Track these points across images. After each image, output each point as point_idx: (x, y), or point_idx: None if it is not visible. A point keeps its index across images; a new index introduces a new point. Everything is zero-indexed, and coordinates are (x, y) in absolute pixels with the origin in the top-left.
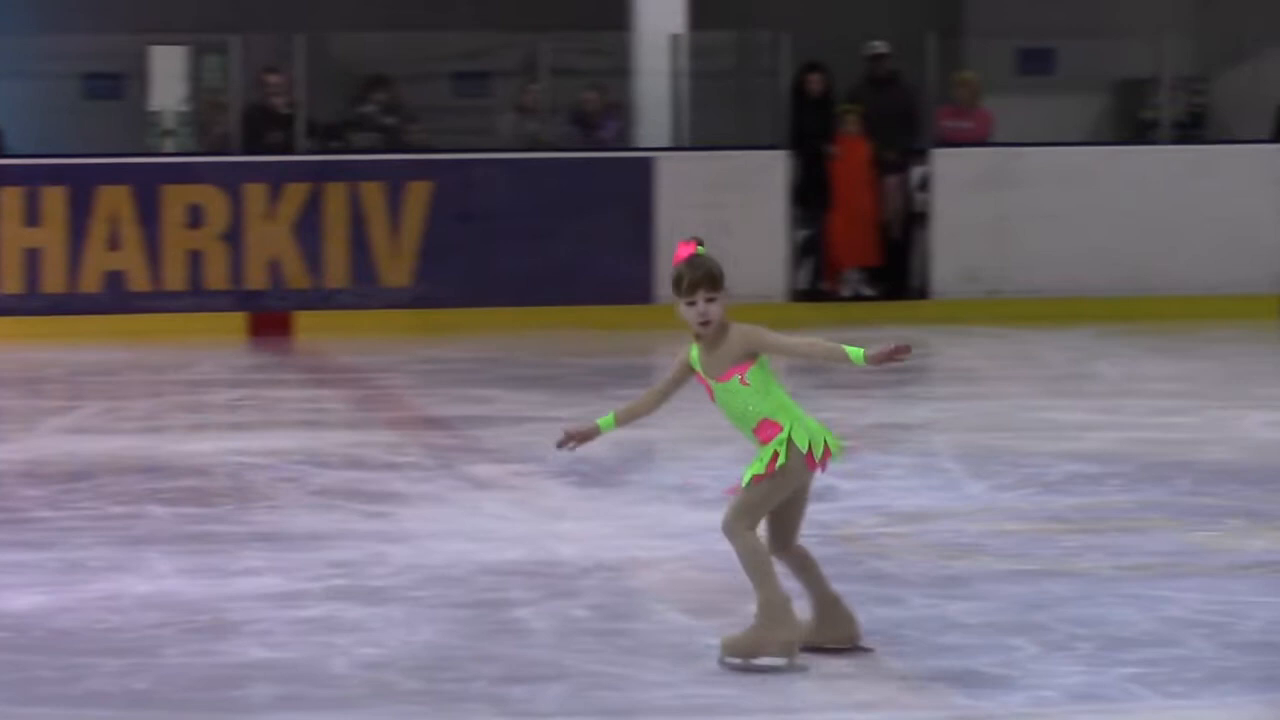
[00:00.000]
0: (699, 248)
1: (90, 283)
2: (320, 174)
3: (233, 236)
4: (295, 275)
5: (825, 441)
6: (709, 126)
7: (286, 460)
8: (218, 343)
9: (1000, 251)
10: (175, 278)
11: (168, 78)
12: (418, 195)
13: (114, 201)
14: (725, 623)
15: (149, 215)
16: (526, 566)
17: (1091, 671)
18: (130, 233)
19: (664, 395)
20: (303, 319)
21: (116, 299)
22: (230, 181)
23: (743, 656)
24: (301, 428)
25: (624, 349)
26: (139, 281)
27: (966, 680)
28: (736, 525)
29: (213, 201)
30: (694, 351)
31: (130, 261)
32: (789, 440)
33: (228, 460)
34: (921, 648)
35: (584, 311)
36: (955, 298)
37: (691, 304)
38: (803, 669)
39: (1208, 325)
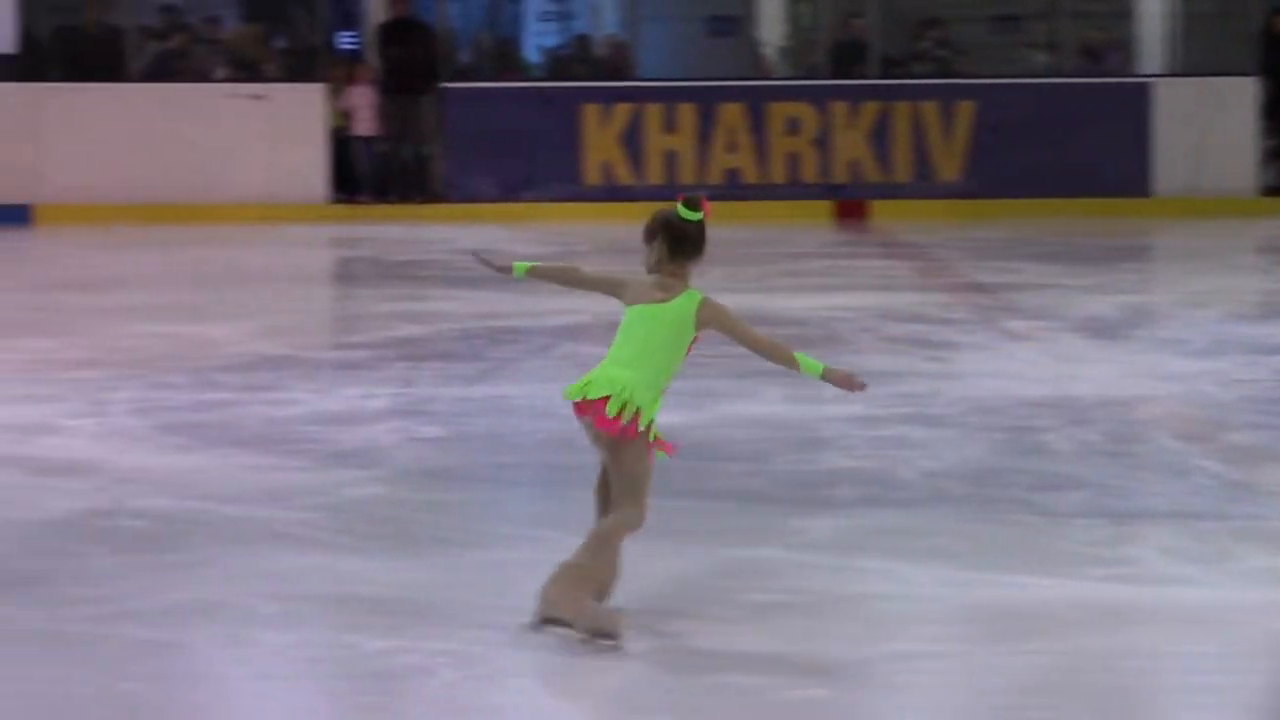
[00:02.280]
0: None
1: (714, 177)
2: (889, 95)
3: (822, 142)
4: (870, 171)
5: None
6: (1194, 57)
7: (864, 314)
8: (810, 224)
9: None
10: (778, 173)
11: (771, 20)
12: (964, 112)
13: (731, 115)
14: (1210, 448)
15: (758, 126)
16: (1050, 400)
17: None
18: (744, 139)
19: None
20: (876, 206)
21: (734, 189)
22: (820, 100)
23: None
24: (875, 290)
25: (1125, 231)
26: (750, 176)
27: None
28: None
29: (806, 115)
30: None
31: (744, 161)
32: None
33: (819, 314)
34: None
35: (1094, 202)
36: None
37: None
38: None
39: None
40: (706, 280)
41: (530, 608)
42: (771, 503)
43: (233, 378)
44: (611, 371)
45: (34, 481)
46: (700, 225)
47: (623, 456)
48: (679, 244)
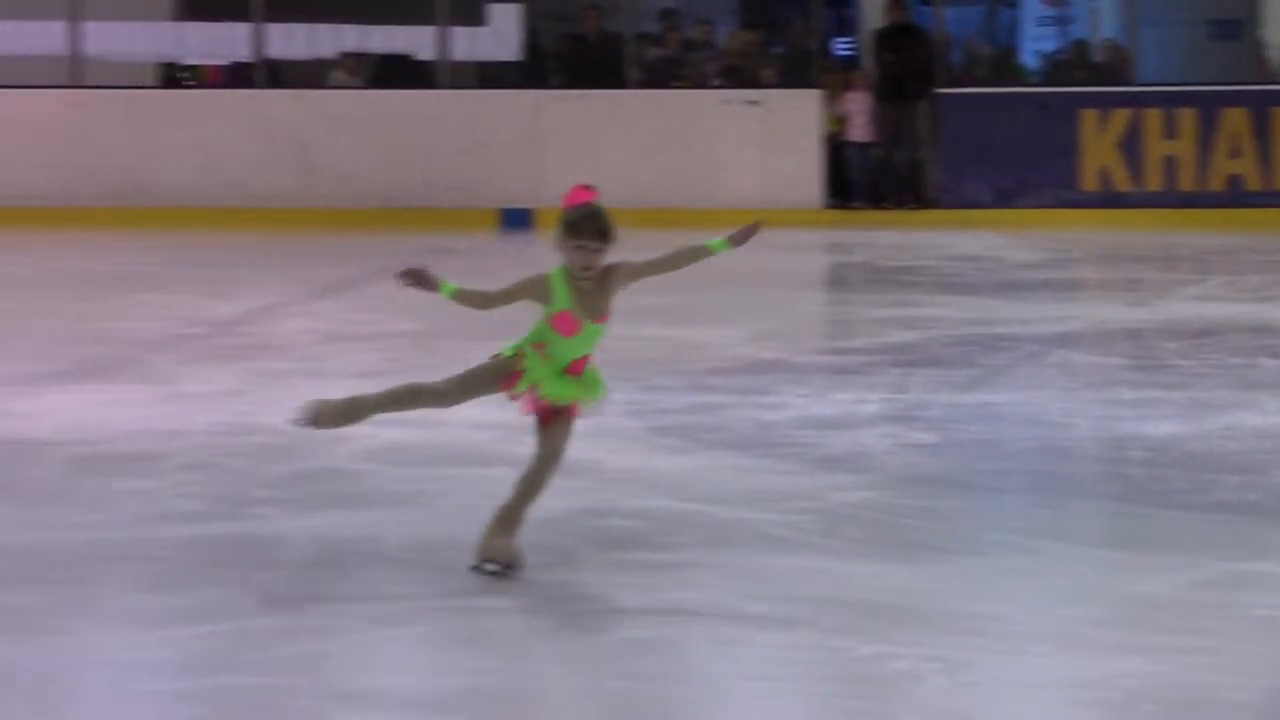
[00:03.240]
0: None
1: (1215, 184)
2: None
3: None
4: None
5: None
6: None
7: None
8: None
9: None
10: None
11: (1277, 21)
12: None
13: (1234, 121)
14: None
15: (1262, 131)
16: None
17: None
18: (1247, 145)
19: (496, 303)
20: None
21: (1235, 196)
22: None
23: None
24: None
25: None
26: (1254, 183)
27: None
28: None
29: None
30: (560, 288)
31: (1247, 168)
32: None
33: None
34: None
35: None
36: None
37: (581, 248)
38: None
39: None
40: (1207, 288)
41: (1028, 615)
42: (1271, 516)
43: (725, 381)
44: None
45: None
46: None
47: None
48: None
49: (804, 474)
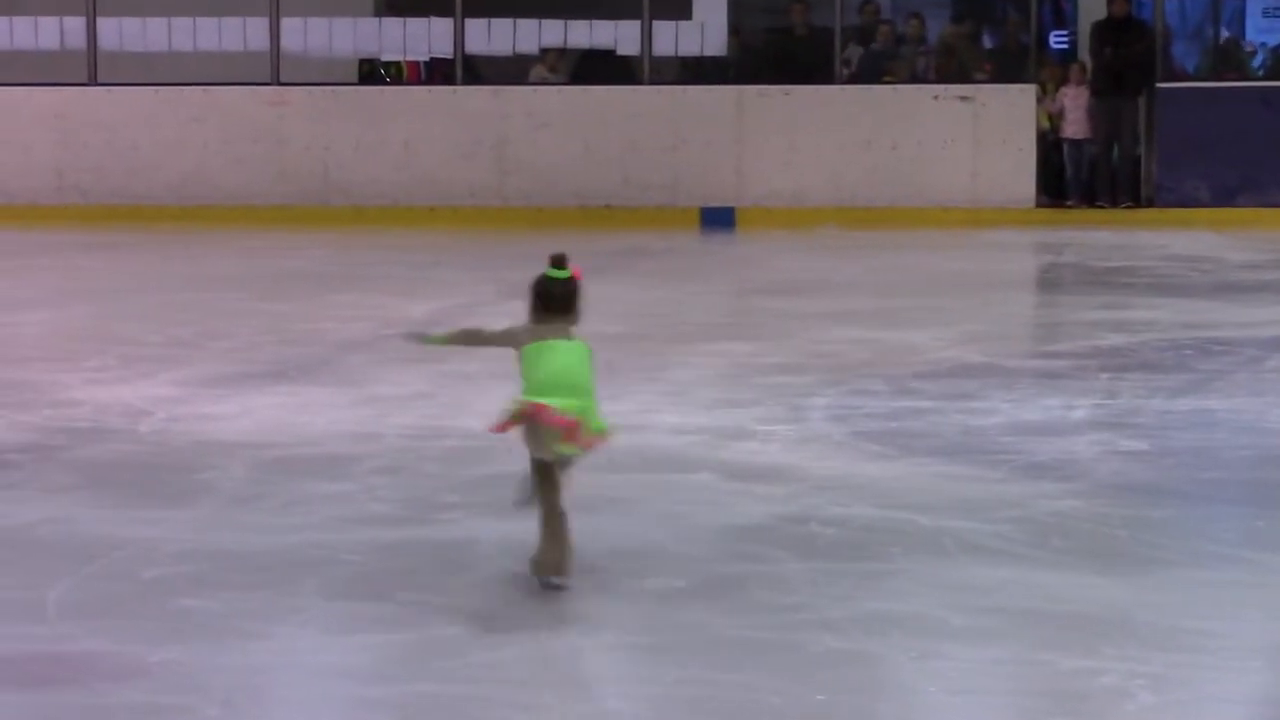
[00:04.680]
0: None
1: None
2: None
3: None
4: None
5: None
6: None
7: None
8: None
9: None
10: None
11: None
12: None
13: None
14: None
15: None
16: None
17: None
18: None
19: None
20: None
21: None
22: None
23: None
24: None
25: None
26: None
27: None
28: None
29: None
30: None
31: None
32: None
33: None
34: None
35: None
36: None
37: None
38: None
39: None
40: None
41: (1242, 631)
42: None
43: (931, 385)
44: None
45: (729, 486)
46: (567, 283)
47: None
48: (543, 300)
49: (1010, 481)
